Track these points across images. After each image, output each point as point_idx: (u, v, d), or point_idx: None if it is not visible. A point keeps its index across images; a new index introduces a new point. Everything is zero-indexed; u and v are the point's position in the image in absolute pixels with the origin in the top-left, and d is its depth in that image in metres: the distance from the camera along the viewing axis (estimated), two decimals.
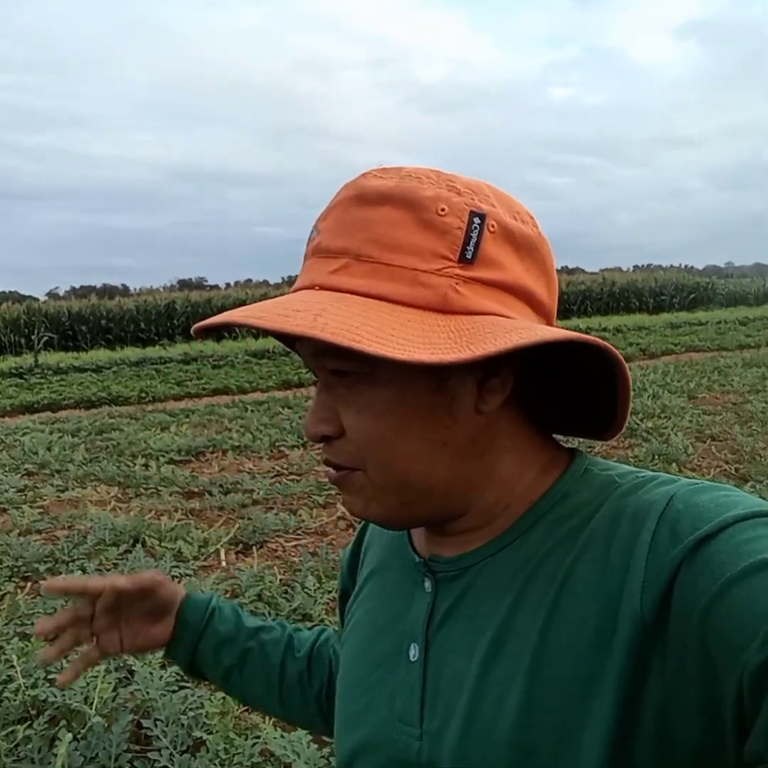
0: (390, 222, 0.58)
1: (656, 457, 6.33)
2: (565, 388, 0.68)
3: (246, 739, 2.50)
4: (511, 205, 0.62)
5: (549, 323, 0.64)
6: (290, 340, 0.72)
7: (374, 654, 0.71)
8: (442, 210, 0.58)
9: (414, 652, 0.66)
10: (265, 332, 0.71)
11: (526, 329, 0.56)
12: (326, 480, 5.93)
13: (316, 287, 0.59)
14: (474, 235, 0.58)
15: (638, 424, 7.71)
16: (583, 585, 0.57)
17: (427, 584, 0.68)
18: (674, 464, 6.08)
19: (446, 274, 0.57)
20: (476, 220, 0.58)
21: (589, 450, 6.67)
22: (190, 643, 0.92)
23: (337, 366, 0.60)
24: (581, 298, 27.29)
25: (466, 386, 0.60)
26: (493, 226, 0.59)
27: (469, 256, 0.58)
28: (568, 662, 0.55)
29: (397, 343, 0.53)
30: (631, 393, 0.63)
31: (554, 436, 0.71)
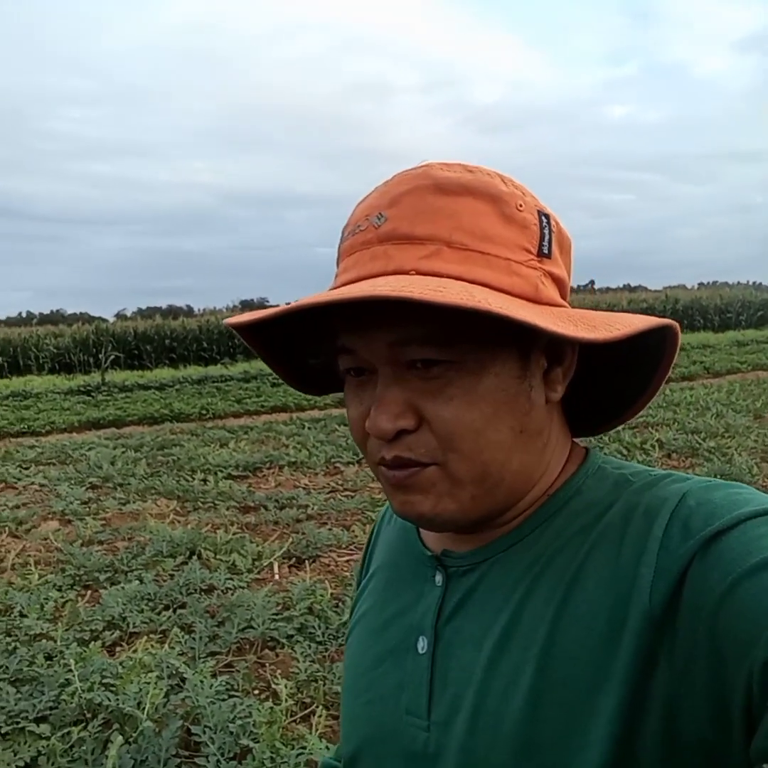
0: (475, 212, 0.58)
1: (718, 477, 6.14)
2: (586, 387, 0.69)
3: (292, 749, 2.52)
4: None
5: None
6: (298, 348, 0.72)
7: (381, 647, 0.72)
8: (520, 206, 0.60)
9: (422, 645, 0.67)
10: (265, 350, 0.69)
11: (634, 315, 0.59)
12: (380, 496, 5.96)
13: (412, 272, 0.56)
14: (546, 232, 0.61)
15: (700, 444, 7.50)
16: (594, 581, 0.57)
17: (438, 578, 0.69)
18: None
19: (531, 266, 0.59)
20: (544, 219, 0.61)
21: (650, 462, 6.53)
22: None
23: (426, 354, 0.58)
24: None
25: (538, 375, 0.62)
26: (554, 226, 0.62)
27: (546, 252, 0.60)
28: (576, 657, 0.56)
29: (562, 327, 0.54)
30: (660, 387, 0.65)
31: None
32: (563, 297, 0.64)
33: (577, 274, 0.66)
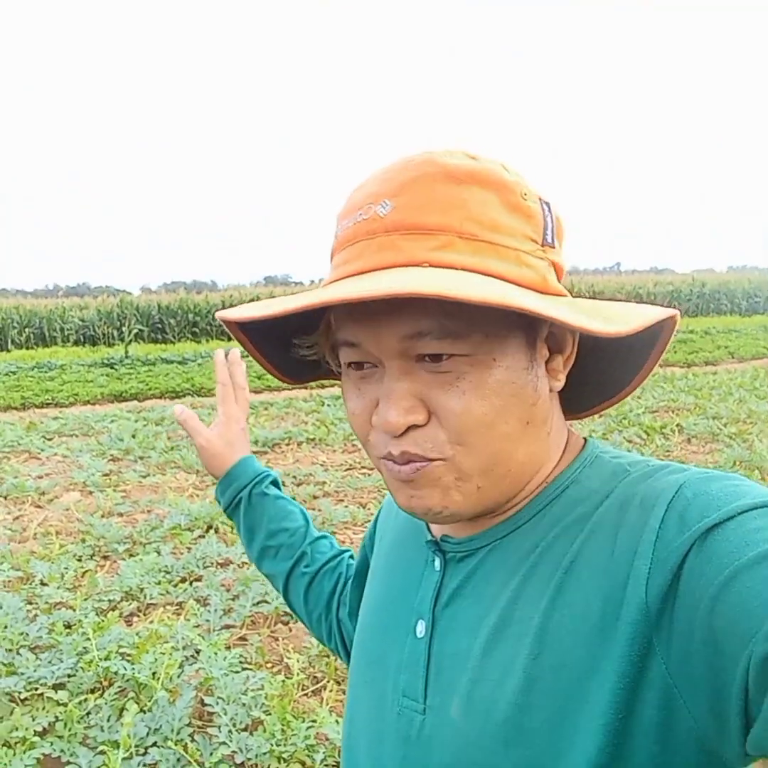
0: (483, 202, 0.58)
1: (737, 463, 6.09)
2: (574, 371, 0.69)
3: (302, 722, 2.56)
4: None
5: None
6: (317, 345, 0.70)
7: (384, 627, 0.74)
8: (525, 195, 0.60)
9: (421, 629, 0.68)
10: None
11: (653, 309, 0.59)
12: (367, 484, 5.96)
13: (426, 264, 0.55)
14: (549, 220, 0.60)
15: (721, 429, 7.43)
16: (589, 570, 0.57)
17: (437, 563, 0.70)
18: (757, 472, 5.84)
19: (539, 256, 0.59)
20: (546, 207, 0.61)
21: (666, 455, 6.48)
22: (226, 507, 1.06)
23: (441, 348, 0.57)
24: (668, 299, 26.50)
25: (542, 366, 0.62)
26: (555, 214, 0.62)
27: (549, 240, 0.60)
28: (569, 645, 0.56)
29: (586, 320, 0.54)
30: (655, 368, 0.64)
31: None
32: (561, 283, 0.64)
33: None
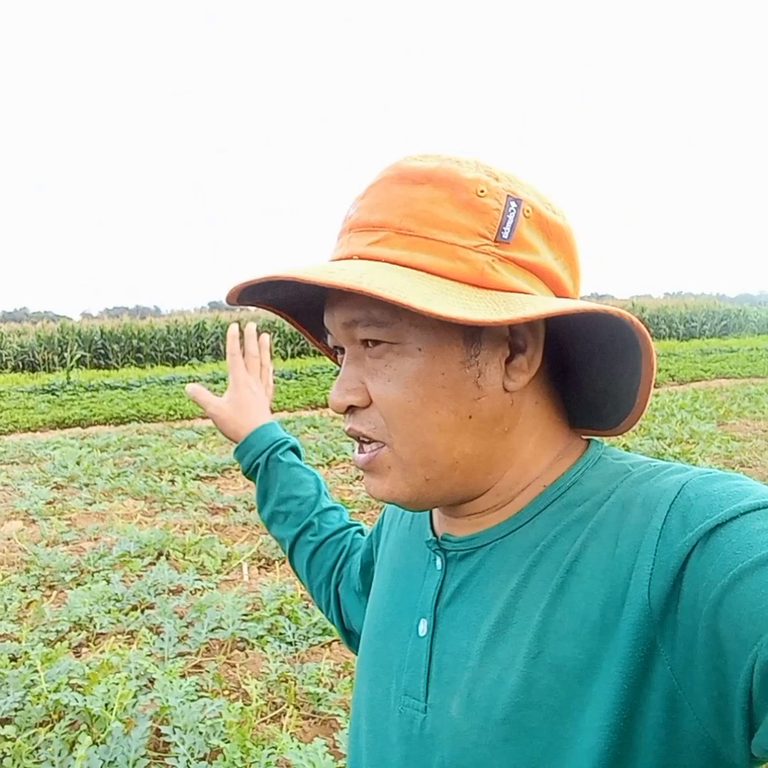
0: (431, 200, 0.60)
1: None
2: (584, 380, 0.69)
3: (262, 749, 2.50)
4: (543, 196, 0.65)
5: None
6: (311, 322, 0.77)
7: (388, 626, 0.74)
8: (482, 191, 0.61)
9: (423, 628, 0.68)
10: (287, 317, 0.78)
11: (562, 302, 0.59)
12: (349, 498, 5.96)
13: (355, 257, 0.61)
14: (510, 217, 0.61)
15: (665, 449, 7.62)
16: (590, 570, 0.57)
17: (438, 562, 0.70)
18: None
19: (483, 250, 0.60)
20: (513, 203, 0.61)
21: None
22: (244, 471, 1.10)
23: (369, 335, 0.62)
24: None
25: (494, 362, 0.62)
26: (528, 211, 0.62)
27: (505, 236, 0.61)
28: (569, 645, 0.56)
29: (439, 305, 0.55)
30: (654, 376, 0.62)
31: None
32: (555, 287, 0.64)
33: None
